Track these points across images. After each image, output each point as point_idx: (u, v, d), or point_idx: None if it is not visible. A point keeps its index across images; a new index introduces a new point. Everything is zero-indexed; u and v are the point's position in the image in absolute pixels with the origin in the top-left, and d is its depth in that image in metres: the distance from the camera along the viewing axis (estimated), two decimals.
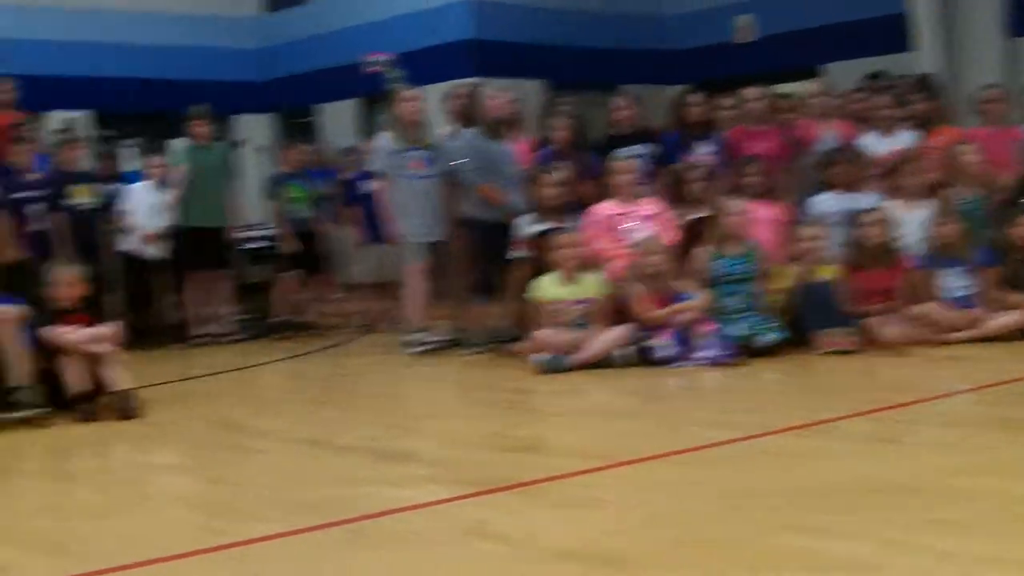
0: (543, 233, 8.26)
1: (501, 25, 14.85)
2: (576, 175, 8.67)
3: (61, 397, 6.56)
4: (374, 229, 10.19)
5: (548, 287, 7.91)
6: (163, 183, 10.46)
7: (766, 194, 8.53)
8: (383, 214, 9.07)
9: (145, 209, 10.22)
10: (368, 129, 15.15)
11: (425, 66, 14.21)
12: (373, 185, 9.46)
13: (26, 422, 6.35)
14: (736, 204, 8.13)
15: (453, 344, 9.07)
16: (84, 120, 14.60)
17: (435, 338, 8.99)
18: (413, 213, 8.91)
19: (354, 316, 11.43)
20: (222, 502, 4.60)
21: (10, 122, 10.65)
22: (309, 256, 10.85)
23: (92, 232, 9.98)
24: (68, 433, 6.26)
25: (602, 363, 7.60)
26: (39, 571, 3.69)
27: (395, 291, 10.97)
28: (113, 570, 3.65)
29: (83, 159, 10.55)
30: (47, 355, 6.73)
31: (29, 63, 13.10)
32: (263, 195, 11.28)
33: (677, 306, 7.69)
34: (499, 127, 8.92)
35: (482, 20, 14.81)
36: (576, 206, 8.47)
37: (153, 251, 10.26)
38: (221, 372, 9.10)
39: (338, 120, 16.11)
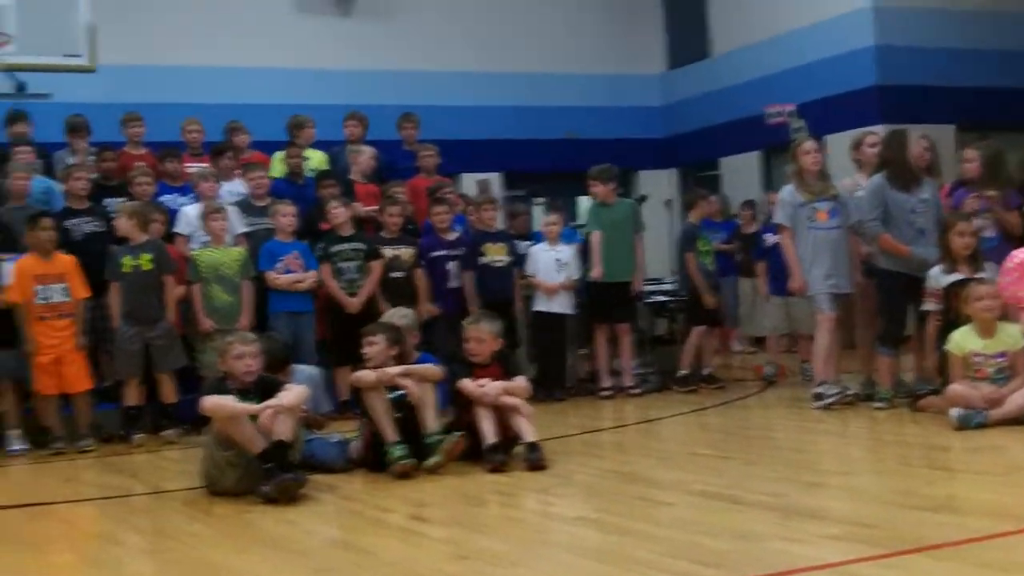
0: (957, 284, 7.89)
1: (907, 68, 14.32)
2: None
3: (475, 447, 6.85)
4: (779, 281, 10.05)
5: (964, 340, 7.53)
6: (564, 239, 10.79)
7: None
8: (789, 266, 8.94)
9: (548, 266, 10.55)
10: (771, 181, 15.03)
11: (829, 115, 13.97)
12: (777, 237, 9.36)
13: (436, 471, 6.68)
14: None
15: (863, 398, 8.79)
16: (496, 181, 15.33)
17: (844, 391, 8.74)
18: (819, 264, 8.73)
19: (759, 369, 11.30)
20: (625, 553, 4.63)
21: (432, 184, 11.37)
22: (711, 309, 10.82)
23: (504, 288, 10.43)
24: (480, 482, 6.51)
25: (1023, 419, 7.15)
26: None
27: (801, 344, 10.79)
28: None
29: (497, 219, 11.05)
30: (462, 407, 7.07)
31: (444, 128, 13.90)
32: (678, 248, 11.33)
33: None
34: (912, 174, 8.57)
35: (887, 65, 14.36)
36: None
37: (560, 306, 10.56)
38: (627, 424, 9.24)
39: (740, 173, 16.07)
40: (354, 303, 9.94)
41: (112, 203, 10.08)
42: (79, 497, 7.16)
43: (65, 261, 9.05)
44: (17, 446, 8.92)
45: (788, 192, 8.95)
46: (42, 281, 8.90)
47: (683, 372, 10.69)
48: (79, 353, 9.00)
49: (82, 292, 9.05)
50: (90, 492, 7.36)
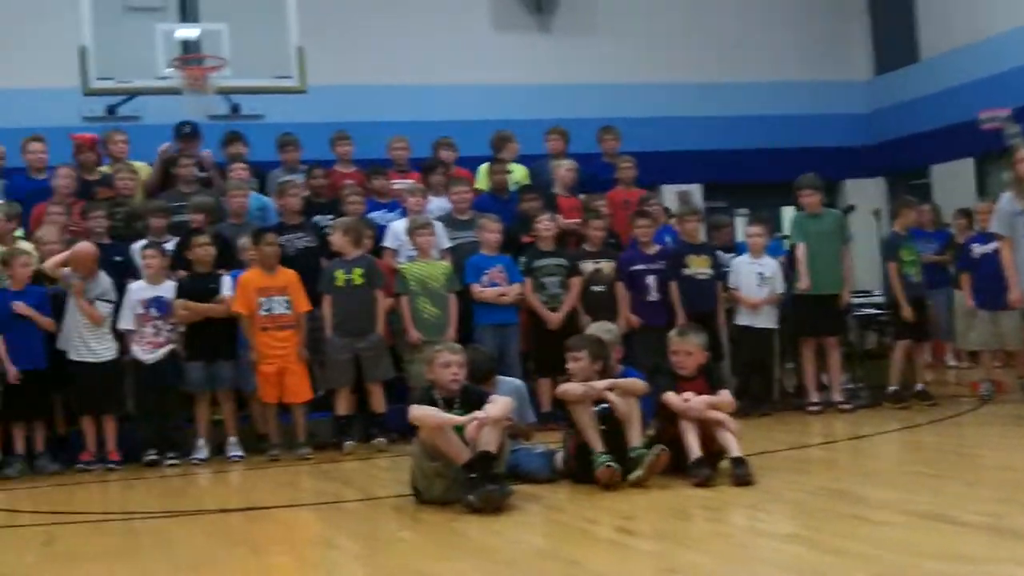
0: None
1: None
2: None
3: (679, 461, 6.81)
4: (986, 294, 9.69)
5: None
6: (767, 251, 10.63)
7: None
8: (1008, 277, 8.59)
9: (751, 280, 10.42)
10: (985, 188, 14.50)
11: None
12: (985, 248, 9.02)
13: (639, 484, 6.66)
14: None
15: None
16: (697, 192, 15.21)
17: None
18: None
19: (976, 386, 10.88)
20: (836, 574, 4.54)
21: (633, 198, 11.36)
22: (920, 322, 10.48)
23: (706, 301, 10.33)
24: (686, 496, 6.46)
25: None
26: None
27: (1019, 358, 10.36)
28: None
29: (699, 231, 10.97)
30: (666, 419, 7.03)
31: (644, 140, 13.87)
32: (881, 258, 11.04)
33: None
34: None
35: None
36: None
37: (763, 320, 10.41)
38: (836, 440, 9.03)
39: (953, 180, 15.54)
40: (555, 318, 10.04)
41: (323, 220, 10.41)
42: (295, 502, 7.43)
43: (288, 275, 9.40)
44: (235, 453, 9.29)
45: (1006, 200, 8.63)
46: (265, 293, 9.27)
47: (893, 387, 10.39)
48: (300, 364, 9.32)
49: (304, 305, 9.37)
50: (305, 497, 7.63)
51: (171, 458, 9.16)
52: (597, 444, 6.77)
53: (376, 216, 10.69)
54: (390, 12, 15.07)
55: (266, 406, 9.35)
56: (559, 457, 7.20)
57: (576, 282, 10.16)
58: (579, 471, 6.91)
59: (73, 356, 9.17)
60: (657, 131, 15.33)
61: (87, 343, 9.17)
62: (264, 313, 9.25)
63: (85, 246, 9.24)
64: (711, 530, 5.94)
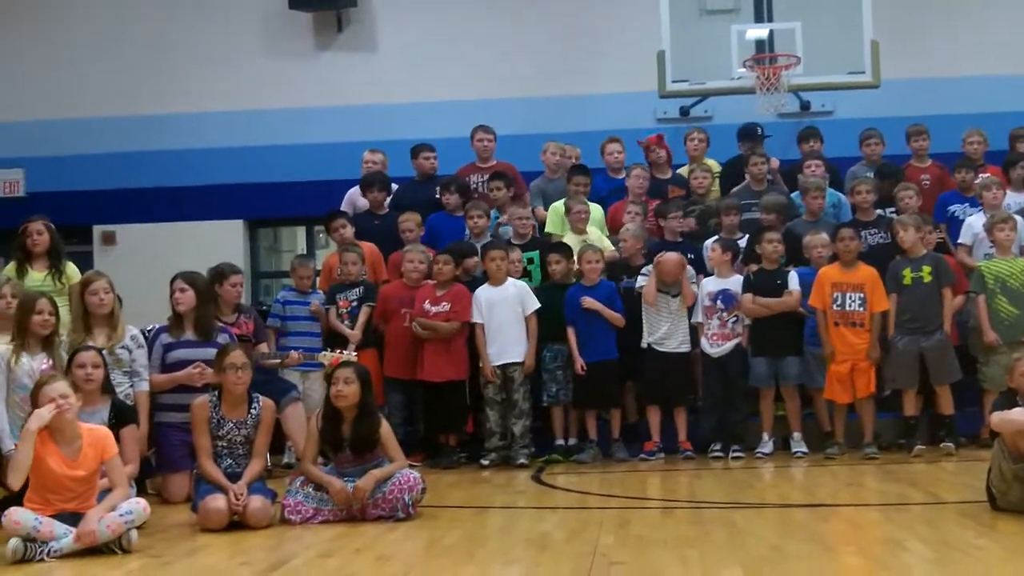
0: None
1: None
2: None
3: None
4: None
5: None
6: None
7: None
8: None
9: None
10: None
11: None
12: None
13: None
14: None
15: None
16: None
17: None
18: None
19: None
20: None
21: None
22: None
23: None
24: None
25: None
26: None
27: None
28: None
29: None
30: None
31: None
32: None
33: None
34: None
35: None
36: None
37: None
38: None
39: None
40: None
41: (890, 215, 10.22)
42: (861, 501, 7.36)
43: (867, 272, 9.34)
44: (799, 449, 9.36)
45: None
46: (840, 288, 9.27)
47: None
48: (869, 363, 9.22)
49: (881, 304, 9.27)
50: (871, 497, 7.54)
51: (736, 451, 9.37)
52: None
53: (956, 210, 10.45)
54: (967, 2, 14.42)
55: (835, 405, 9.33)
56: None
57: None
58: None
59: (644, 345, 9.57)
60: None
61: (664, 334, 9.52)
62: (836, 308, 9.23)
63: (670, 257, 9.54)
64: None
